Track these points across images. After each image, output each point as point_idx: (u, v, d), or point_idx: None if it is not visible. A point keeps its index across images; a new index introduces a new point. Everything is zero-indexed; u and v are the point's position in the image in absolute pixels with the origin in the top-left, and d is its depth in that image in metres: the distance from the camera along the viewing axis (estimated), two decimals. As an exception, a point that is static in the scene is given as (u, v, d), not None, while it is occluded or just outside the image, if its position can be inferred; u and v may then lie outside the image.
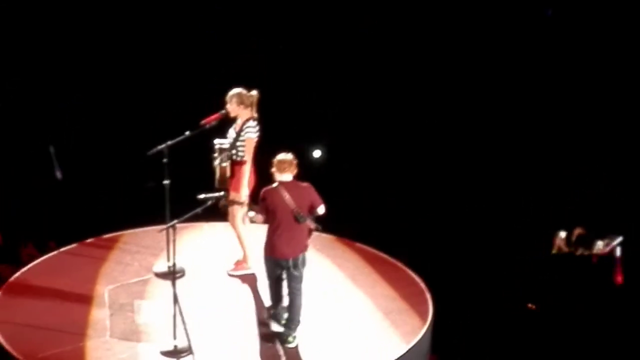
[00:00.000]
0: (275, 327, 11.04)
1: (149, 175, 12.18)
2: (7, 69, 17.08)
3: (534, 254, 15.05)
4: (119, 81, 17.44)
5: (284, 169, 10.67)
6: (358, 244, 13.34)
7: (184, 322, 10.92)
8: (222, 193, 11.00)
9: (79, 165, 17.07)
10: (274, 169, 10.70)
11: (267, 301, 11.52)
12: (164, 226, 10.66)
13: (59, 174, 15.78)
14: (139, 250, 12.92)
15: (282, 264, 10.79)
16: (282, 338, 10.92)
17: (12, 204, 15.99)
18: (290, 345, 10.87)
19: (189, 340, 10.57)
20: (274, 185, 10.68)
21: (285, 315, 10.98)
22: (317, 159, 17.90)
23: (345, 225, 13.58)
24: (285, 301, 11.03)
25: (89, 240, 13.31)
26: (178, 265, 12.18)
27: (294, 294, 10.84)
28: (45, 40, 17.33)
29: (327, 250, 13.12)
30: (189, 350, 10.64)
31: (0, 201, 15.93)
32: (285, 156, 10.75)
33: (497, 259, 15.25)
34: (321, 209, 10.78)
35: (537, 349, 13.50)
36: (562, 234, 14.97)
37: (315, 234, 11.14)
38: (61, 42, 17.32)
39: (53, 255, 12.90)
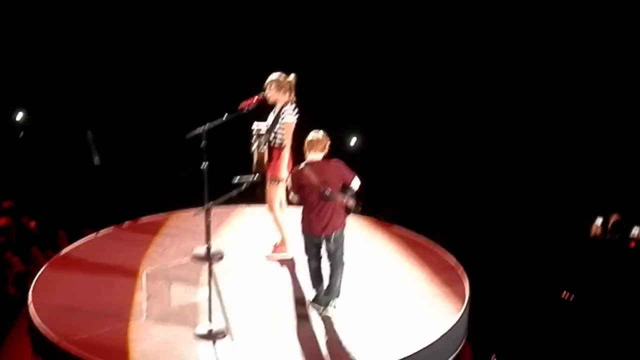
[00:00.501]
0: (316, 309, 11.03)
1: (187, 159, 12.14)
2: (46, 55, 17.22)
3: (571, 240, 14.90)
4: (158, 64, 17.50)
5: (312, 147, 10.77)
6: (396, 227, 13.27)
7: (222, 305, 11.04)
8: (257, 176, 10.97)
9: (117, 150, 17.18)
10: (304, 149, 10.75)
11: (305, 285, 11.54)
12: (199, 209, 10.64)
13: (96, 160, 15.88)
14: (179, 233, 12.94)
15: (316, 241, 10.87)
16: (322, 304, 10.97)
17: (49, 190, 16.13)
18: (329, 314, 10.91)
19: (225, 323, 10.64)
20: (300, 165, 10.70)
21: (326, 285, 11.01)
22: (352, 146, 17.87)
23: (384, 208, 13.52)
24: (326, 282, 11.06)
25: (127, 224, 13.37)
26: (217, 249, 12.28)
27: (334, 265, 10.96)
28: (84, 26, 17.45)
29: (365, 233, 13.07)
30: (224, 333, 10.67)
31: (37, 187, 16.09)
32: (314, 135, 10.82)
33: (534, 245, 15.11)
34: (355, 183, 10.79)
35: (572, 336, 13.35)
36: (599, 220, 14.82)
37: (353, 216, 11.24)
38: (99, 28, 17.43)
39: (91, 239, 12.96)
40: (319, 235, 10.83)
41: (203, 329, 10.67)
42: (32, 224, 15.25)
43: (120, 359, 10.10)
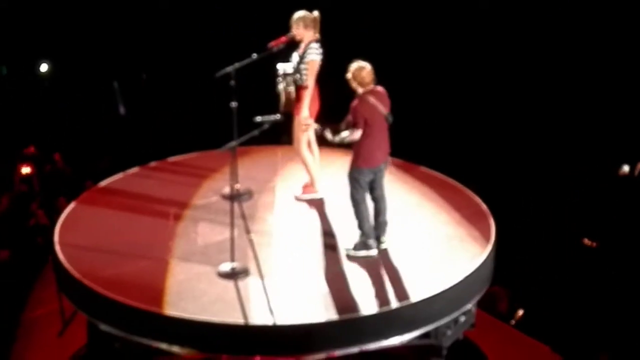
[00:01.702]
0: (369, 252, 10.95)
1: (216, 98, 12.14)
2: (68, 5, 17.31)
3: (597, 187, 14.73)
4: (187, 6, 17.48)
5: (372, 80, 10.61)
6: (426, 170, 13.17)
7: (249, 244, 11.05)
8: (278, 116, 10.89)
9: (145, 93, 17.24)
10: (355, 83, 10.60)
11: (334, 225, 11.52)
12: (222, 148, 10.63)
13: (122, 110, 15.94)
14: (207, 173, 12.96)
15: (375, 170, 10.80)
16: (375, 242, 10.97)
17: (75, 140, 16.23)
18: (383, 246, 10.94)
19: (249, 262, 10.74)
20: (363, 96, 10.57)
21: (373, 224, 10.97)
22: None
23: (416, 151, 13.44)
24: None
25: (156, 163, 13.41)
26: (246, 188, 12.32)
27: (382, 197, 10.95)
28: None
29: (394, 175, 12.94)
30: (247, 272, 10.70)
31: (63, 137, 16.19)
32: (365, 66, 10.61)
33: (561, 189, 14.96)
34: None
35: (596, 282, 13.22)
36: (626, 168, 14.61)
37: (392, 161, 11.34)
38: None
39: (119, 178, 13.01)
40: (381, 163, 10.79)
41: (225, 267, 10.70)
42: (57, 156, 15.31)
43: (141, 297, 10.13)
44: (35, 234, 14.26)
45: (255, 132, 10.74)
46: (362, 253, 10.90)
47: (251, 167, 13.00)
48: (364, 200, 10.83)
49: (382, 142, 10.71)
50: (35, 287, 13.50)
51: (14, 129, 16.54)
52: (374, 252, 10.91)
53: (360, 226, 10.92)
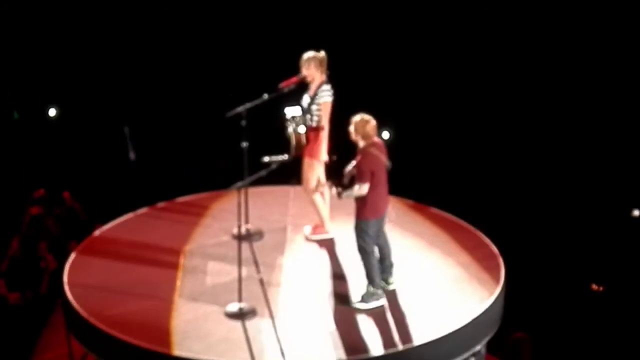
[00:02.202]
0: (378, 302, 10.87)
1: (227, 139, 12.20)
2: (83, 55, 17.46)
3: (606, 234, 14.66)
4: (198, 45, 17.59)
5: (375, 134, 10.65)
6: (436, 211, 13.14)
7: (259, 285, 11.04)
8: (285, 156, 10.92)
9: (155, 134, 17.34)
10: (359, 136, 10.57)
11: (343, 266, 11.51)
12: (230, 188, 10.66)
13: (132, 155, 15.93)
14: (220, 213, 12.97)
15: (380, 219, 10.81)
16: (382, 284, 10.92)
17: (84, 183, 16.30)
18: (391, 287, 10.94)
19: (257, 303, 10.71)
20: (367, 150, 10.56)
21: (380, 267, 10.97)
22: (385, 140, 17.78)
23: (425, 193, 13.41)
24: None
25: (166, 203, 13.43)
26: (256, 228, 12.31)
27: (386, 242, 11.03)
28: (118, 21, 17.65)
29: (405, 217, 12.98)
30: (254, 313, 10.67)
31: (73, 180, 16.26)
32: (369, 118, 10.62)
33: (571, 234, 14.89)
34: None
35: (604, 327, 13.12)
36: (636, 212, 14.54)
37: (395, 201, 11.91)
38: (133, 22, 17.61)
39: (128, 218, 13.03)
40: (385, 211, 10.81)
41: (233, 307, 10.68)
42: (67, 194, 15.34)
43: (147, 336, 10.12)
44: (44, 277, 14.26)
45: (263, 173, 10.77)
46: (372, 305, 10.83)
47: (263, 207, 12.99)
48: (372, 251, 10.81)
49: (384, 191, 10.76)
50: (45, 331, 13.50)
51: (24, 173, 16.62)
52: (383, 301, 10.84)
53: (371, 278, 10.84)
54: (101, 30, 17.84)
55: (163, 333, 10.29)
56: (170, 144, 17.46)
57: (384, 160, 10.63)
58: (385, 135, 17.68)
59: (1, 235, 14.96)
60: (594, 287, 13.89)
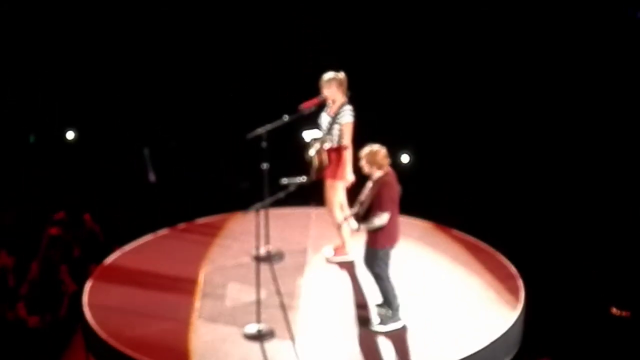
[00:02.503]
0: (396, 324, 10.84)
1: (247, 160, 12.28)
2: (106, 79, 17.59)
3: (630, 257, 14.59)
4: (220, 66, 17.65)
5: (388, 161, 10.62)
6: (457, 233, 13.09)
7: (278, 306, 11.05)
8: (303, 178, 10.95)
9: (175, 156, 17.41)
10: (375, 167, 10.55)
11: (365, 288, 11.50)
12: (248, 210, 10.68)
13: (152, 177, 16.00)
14: (240, 234, 12.95)
15: (392, 249, 10.79)
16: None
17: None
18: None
19: (276, 324, 10.73)
20: (384, 180, 10.54)
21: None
22: (405, 163, 17.81)
23: (446, 214, 13.40)
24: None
25: (186, 224, 13.42)
26: (277, 250, 12.33)
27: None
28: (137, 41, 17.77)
29: (426, 239, 12.95)
30: (273, 334, 10.68)
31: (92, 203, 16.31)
32: (380, 149, 10.62)
33: (594, 257, 14.81)
34: None
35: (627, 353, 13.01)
36: None
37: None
38: (152, 42, 17.72)
39: (148, 239, 13.04)
40: (398, 239, 10.81)
41: (251, 329, 10.68)
42: (87, 217, 15.36)
43: (166, 357, 10.18)
44: (63, 300, 14.30)
45: (281, 195, 10.80)
46: (391, 327, 10.79)
47: (284, 228, 12.99)
48: (388, 276, 10.77)
49: (398, 219, 10.75)
50: (64, 354, 13.50)
51: (44, 196, 16.70)
52: (401, 324, 10.81)
53: (390, 302, 10.81)
54: (120, 53, 17.92)
55: (182, 354, 10.32)
56: (191, 166, 17.49)
57: (397, 188, 10.60)
58: (405, 158, 17.68)
59: (22, 259, 14.99)
60: (616, 311, 13.74)
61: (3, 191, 17.03)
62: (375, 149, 10.61)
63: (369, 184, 10.67)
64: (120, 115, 17.78)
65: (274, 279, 11.82)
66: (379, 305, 10.90)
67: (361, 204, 10.71)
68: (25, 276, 14.57)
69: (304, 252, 12.55)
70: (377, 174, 10.57)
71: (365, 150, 10.67)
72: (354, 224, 10.70)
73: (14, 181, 17.08)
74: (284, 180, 10.97)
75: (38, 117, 17.94)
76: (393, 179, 10.61)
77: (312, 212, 13.48)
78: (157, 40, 17.92)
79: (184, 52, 17.90)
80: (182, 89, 17.83)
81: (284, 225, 13.12)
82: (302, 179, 10.97)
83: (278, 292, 11.54)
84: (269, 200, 10.70)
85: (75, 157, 18.06)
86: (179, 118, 17.74)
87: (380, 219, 10.46)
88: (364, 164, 10.62)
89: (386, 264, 10.70)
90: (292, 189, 10.91)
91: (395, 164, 11.05)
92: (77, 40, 17.95)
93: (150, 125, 17.75)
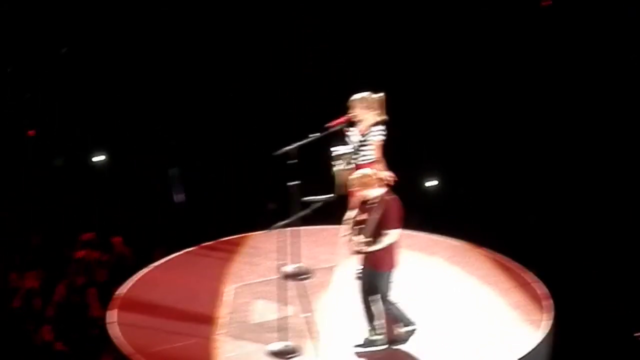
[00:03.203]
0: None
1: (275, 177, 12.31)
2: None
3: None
4: (248, 83, 17.73)
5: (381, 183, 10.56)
6: (486, 251, 13.00)
7: (305, 324, 11.05)
8: (328, 196, 10.96)
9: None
10: (370, 190, 10.49)
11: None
12: (271, 228, 10.70)
13: (179, 197, 16.00)
14: (270, 252, 12.90)
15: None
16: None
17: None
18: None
19: (302, 342, 10.76)
20: (390, 194, 10.50)
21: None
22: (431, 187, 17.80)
23: (476, 233, 13.34)
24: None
25: (215, 242, 13.45)
26: (306, 267, 12.33)
27: None
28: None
29: (459, 258, 12.90)
30: (297, 353, 10.67)
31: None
32: (366, 171, 10.70)
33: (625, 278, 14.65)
34: None
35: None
36: None
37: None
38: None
39: (180, 255, 13.09)
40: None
41: (276, 346, 10.68)
42: (117, 240, 15.34)
43: (188, 374, 10.20)
44: (91, 325, 14.28)
45: (303, 213, 10.83)
46: (372, 349, 10.77)
47: (313, 246, 12.99)
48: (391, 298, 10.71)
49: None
50: None
51: (72, 219, 16.76)
52: (383, 347, 10.76)
53: (378, 322, 10.79)
54: (144, 73, 18.03)
55: (205, 370, 10.37)
56: (218, 185, 17.56)
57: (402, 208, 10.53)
58: (432, 182, 17.67)
59: (50, 281, 15.01)
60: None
61: (32, 213, 17.08)
62: (364, 172, 10.64)
63: (367, 205, 10.57)
64: (146, 137, 17.84)
65: (304, 296, 11.82)
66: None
67: (369, 224, 10.56)
68: (51, 298, 14.56)
69: (332, 269, 12.52)
70: (376, 193, 10.46)
71: (356, 175, 10.65)
72: (360, 245, 10.57)
73: (43, 204, 17.14)
74: (307, 198, 11.02)
75: (65, 139, 18.05)
76: (396, 198, 10.50)
77: (341, 229, 13.43)
78: (179, 60, 18.01)
79: (211, 71, 17.99)
80: (207, 108, 17.89)
81: (314, 243, 13.11)
82: (326, 197, 10.98)
83: (305, 310, 11.52)
84: (291, 219, 10.70)
85: (104, 180, 18.14)
86: (205, 137, 17.79)
87: (391, 237, 10.39)
88: (364, 182, 10.52)
89: (387, 289, 10.63)
90: (316, 206, 10.94)
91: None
92: (100, 61, 18.08)
93: (177, 145, 17.80)
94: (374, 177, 10.51)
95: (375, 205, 10.51)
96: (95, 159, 18.40)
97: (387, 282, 10.61)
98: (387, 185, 10.66)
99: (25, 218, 16.98)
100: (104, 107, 18.04)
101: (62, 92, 18.04)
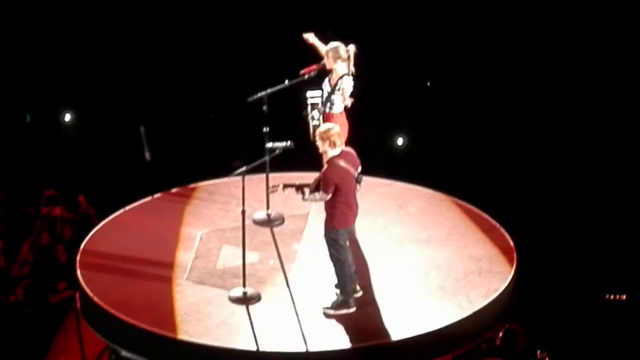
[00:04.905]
0: (348, 310, 10.75)
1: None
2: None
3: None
4: (218, 31, 17.65)
5: (341, 142, 10.51)
6: (463, 203, 12.97)
7: (274, 271, 11.14)
8: (289, 143, 10.98)
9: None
10: (326, 146, 10.43)
11: (363, 255, 11.58)
12: (233, 174, 10.75)
13: (148, 155, 15.86)
14: (246, 197, 12.93)
15: (349, 229, 10.78)
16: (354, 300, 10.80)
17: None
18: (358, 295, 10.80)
19: (263, 288, 10.86)
20: (334, 161, 10.43)
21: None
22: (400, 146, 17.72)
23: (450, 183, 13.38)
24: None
25: (193, 186, 13.45)
26: (278, 214, 12.38)
27: (350, 252, 10.77)
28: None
29: (431, 208, 12.89)
30: (257, 299, 10.76)
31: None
32: (336, 129, 10.53)
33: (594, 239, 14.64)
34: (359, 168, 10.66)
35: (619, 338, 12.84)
36: None
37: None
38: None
39: (154, 198, 13.08)
40: (353, 222, 10.79)
41: (237, 292, 10.78)
42: (82, 198, 15.20)
43: (147, 318, 10.29)
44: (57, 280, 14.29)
45: (266, 159, 10.90)
46: (342, 312, 10.69)
47: (290, 193, 12.99)
48: (346, 258, 10.64)
49: (353, 203, 10.57)
50: (57, 335, 13.56)
51: (37, 176, 16.71)
52: (352, 309, 10.71)
53: (344, 286, 10.70)
54: (109, 30, 17.94)
55: (165, 314, 10.48)
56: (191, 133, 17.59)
57: (352, 172, 10.47)
58: (400, 141, 17.63)
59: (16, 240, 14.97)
60: (609, 296, 13.58)
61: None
62: (328, 127, 10.55)
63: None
64: (114, 95, 17.79)
65: (272, 243, 11.90)
66: (336, 286, 10.80)
67: (315, 179, 10.64)
68: (16, 257, 14.52)
69: (305, 217, 12.55)
70: (330, 153, 10.46)
71: (321, 128, 10.63)
72: (299, 195, 10.70)
73: (6, 160, 17.09)
74: (269, 145, 11.06)
75: (33, 97, 18.01)
76: (346, 161, 10.44)
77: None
78: (147, 16, 17.92)
79: (183, 23, 17.92)
80: (176, 62, 17.82)
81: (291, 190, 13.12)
82: (287, 143, 11.00)
83: (271, 257, 11.60)
84: (253, 164, 10.75)
85: (72, 139, 18.10)
86: (175, 90, 17.75)
87: (321, 196, 10.43)
88: (319, 141, 10.50)
89: (341, 246, 10.58)
90: (277, 152, 10.99)
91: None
92: (70, 18, 17.97)
93: (145, 100, 17.75)
94: (334, 136, 10.46)
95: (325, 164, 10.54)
96: (64, 118, 18.31)
97: (333, 240, 10.58)
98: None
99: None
100: (68, 62, 17.95)
101: (31, 50, 17.94)
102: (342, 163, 10.37)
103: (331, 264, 10.70)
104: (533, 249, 12.51)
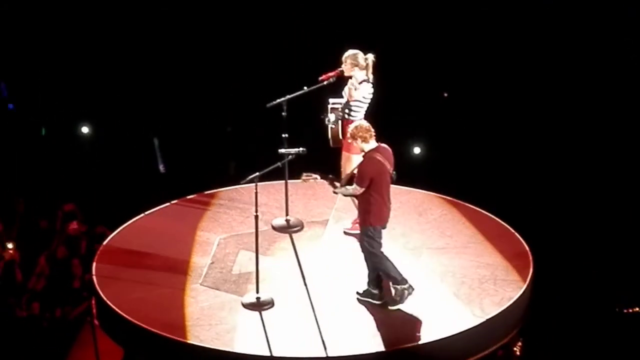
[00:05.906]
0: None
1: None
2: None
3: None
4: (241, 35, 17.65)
5: (371, 136, 10.53)
6: (484, 212, 12.87)
7: (290, 277, 11.17)
8: (302, 149, 11.01)
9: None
10: (358, 140, 10.50)
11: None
12: (245, 180, 10.76)
13: (162, 167, 15.87)
14: (265, 204, 12.94)
15: (385, 227, 10.72)
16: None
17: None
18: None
19: (278, 294, 10.84)
20: (371, 154, 10.50)
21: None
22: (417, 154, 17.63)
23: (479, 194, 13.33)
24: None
25: (215, 192, 13.46)
26: (297, 220, 12.40)
27: None
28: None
29: (451, 215, 12.85)
30: (271, 305, 10.76)
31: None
32: (364, 124, 10.61)
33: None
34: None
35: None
36: None
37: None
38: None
39: (174, 203, 13.10)
40: (388, 219, 10.74)
41: (250, 298, 10.79)
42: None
43: (158, 322, 10.34)
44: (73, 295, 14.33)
45: (279, 164, 10.93)
46: (405, 301, 10.73)
47: (310, 199, 13.03)
48: (383, 253, 10.67)
49: (388, 199, 10.61)
50: (73, 348, 13.60)
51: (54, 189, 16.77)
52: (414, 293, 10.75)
53: (393, 278, 10.70)
54: (126, 43, 17.99)
55: (177, 319, 10.52)
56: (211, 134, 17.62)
57: (388, 167, 10.51)
58: (418, 149, 17.57)
59: (30, 253, 14.99)
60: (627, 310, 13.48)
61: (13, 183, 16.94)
62: (356, 124, 10.61)
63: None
64: (129, 108, 17.85)
65: (291, 249, 11.90)
66: (358, 293, 10.86)
67: (349, 173, 10.83)
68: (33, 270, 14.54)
69: (324, 223, 12.54)
70: (366, 147, 10.50)
71: (351, 126, 10.69)
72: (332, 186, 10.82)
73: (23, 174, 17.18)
74: (282, 150, 11.09)
75: (50, 110, 18.10)
76: (383, 157, 10.49)
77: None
78: (166, 36, 17.98)
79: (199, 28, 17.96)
80: (190, 74, 17.86)
81: (311, 196, 13.15)
82: (300, 150, 11.03)
83: (288, 263, 11.61)
84: (265, 170, 10.77)
85: (88, 151, 18.16)
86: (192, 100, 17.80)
87: (354, 190, 10.47)
88: (351, 138, 10.59)
89: (377, 242, 10.60)
90: (290, 158, 11.03)
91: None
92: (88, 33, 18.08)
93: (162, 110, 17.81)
94: (362, 130, 10.49)
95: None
96: (81, 131, 18.36)
97: (371, 238, 10.59)
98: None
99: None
100: (84, 74, 18.01)
101: (47, 62, 17.99)
102: (378, 157, 10.39)
103: (364, 265, 10.75)
104: (551, 258, 12.39)
